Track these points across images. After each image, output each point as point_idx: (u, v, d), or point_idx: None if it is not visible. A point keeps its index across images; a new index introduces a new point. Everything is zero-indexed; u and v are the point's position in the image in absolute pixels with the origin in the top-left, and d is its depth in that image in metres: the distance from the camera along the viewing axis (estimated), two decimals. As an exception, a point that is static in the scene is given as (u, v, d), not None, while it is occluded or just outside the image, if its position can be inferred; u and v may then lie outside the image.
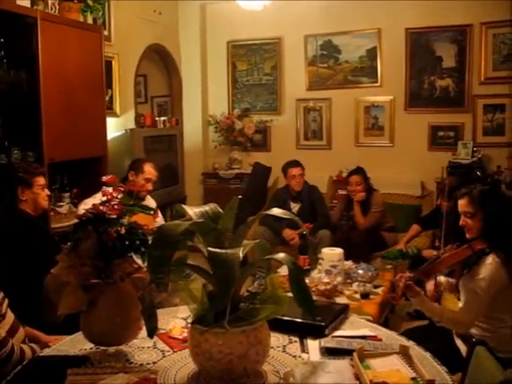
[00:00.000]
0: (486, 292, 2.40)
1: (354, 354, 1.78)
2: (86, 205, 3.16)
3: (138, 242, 1.82)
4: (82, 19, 4.51)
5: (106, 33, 5.06)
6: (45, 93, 3.85)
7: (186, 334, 1.99)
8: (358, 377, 1.67)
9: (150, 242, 1.72)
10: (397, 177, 5.97)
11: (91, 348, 1.97)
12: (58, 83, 4.04)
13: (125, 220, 1.86)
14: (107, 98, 5.08)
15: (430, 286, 2.87)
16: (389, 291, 3.64)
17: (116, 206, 1.82)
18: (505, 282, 2.40)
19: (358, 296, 3.51)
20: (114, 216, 1.81)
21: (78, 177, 4.42)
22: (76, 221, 1.86)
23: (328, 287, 3.39)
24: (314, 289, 3.35)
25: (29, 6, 3.87)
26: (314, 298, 2.34)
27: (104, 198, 1.86)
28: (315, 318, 1.99)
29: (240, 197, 1.79)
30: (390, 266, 4.32)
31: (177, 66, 6.74)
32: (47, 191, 3.15)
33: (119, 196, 1.87)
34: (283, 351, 1.95)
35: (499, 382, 1.69)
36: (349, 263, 3.92)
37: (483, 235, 2.50)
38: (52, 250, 2.25)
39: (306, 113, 6.55)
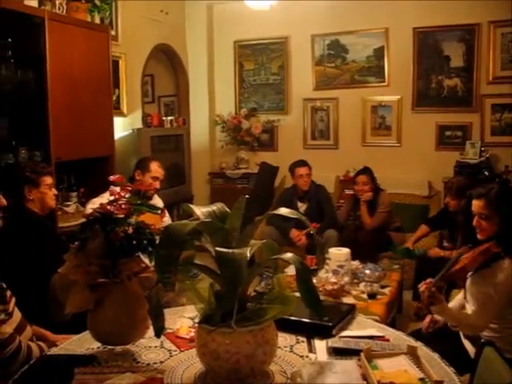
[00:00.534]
0: (501, 296, 2.37)
1: (362, 354, 1.77)
2: (94, 204, 3.17)
3: (145, 242, 1.82)
4: (89, 19, 4.52)
5: (113, 33, 5.07)
6: (52, 92, 3.87)
7: (193, 334, 1.99)
8: (365, 377, 1.67)
9: (157, 242, 1.72)
10: (404, 177, 5.96)
11: (98, 347, 1.97)
12: (65, 83, 4.05)
13: (132, 219, 1.86)
14: (114, 98, 5.10)
15: (425, 321, 2.84)
16: (396, 291, 3.63)
17: (123, 206, 1.82)
18: None
19: (365, 296, 3.50)
20: (122, 215, 1.81)
21: (85, 176, 4.43)
22: (83, 220, 1.86)
23: (335, 287, 3.39)
24: (321, 289, 3.35)
25: (36, 5, 3.89)
26: (322, 297, 2.33)
27: (111, 198, 1.86)
28: (322, 318, 1.98)
29: (247, 196, 1.79)
30: (397, 266, 4.31)
31: (184, 65, 6.75)
32: (54, 190, 3.16)
33: (126, 195, 1.87)
34: (290, 351, 1.94)
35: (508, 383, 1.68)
36: (356, 263, 3.92)
37: (498, 239, 2.46)
38: (59, 250, 2.25)
39: (313, 112, 6.54)
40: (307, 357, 1.90)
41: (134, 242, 1.82)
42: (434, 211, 5.56)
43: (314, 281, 3.31)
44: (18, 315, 2.16)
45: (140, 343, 1.99)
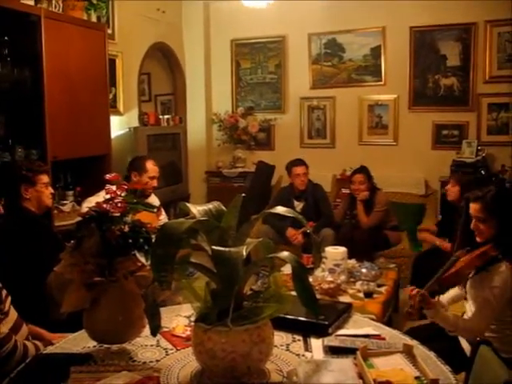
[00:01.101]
0: (498, 300, 2.37)
1: (358, 352, 1.77)
2: (90, 203, 3.16)
3: (141, 240, 1.82)
4: (85, 17, 4.50)
5: (109, 31, 5.06)
6: (48, 91, 3.85)
7: (189, 333, 1.99)
8: (361, 375, 1.67)
9: (153, 240, 1.72)
10: (401, 175, 5.97)
11: (94, 346, 1.97)
12: (61, 81, 4.04)
13: (128, 218, 1.86)
14: (111, 97, 5.08)
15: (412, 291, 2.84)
16: (392, 290, 3.63)
17: (119, 204, 1.82)
18: None
19: (361, 295, 3.51)
20: (118, 214, 1.81)
21: (82, 175, 4.42)
22: (79, 219, 1.86)
23: (331, 286, 3.39)
24: (317, 287, 3.35)
25: (32, 4, 3.87)
26: (318, 296, 2.34)
27: (107, 196, 1.85)
28: (318, 316, 1.99)
29: (243, 195, 1.79)
30: (393, 265, 4.32)
31: (180, 64, 6.74)
32: (51, 189, 3.15)
33: (122, 194, 1.87)
34: (287, 350, 1.95)
35: (503, 382, 1.68)
36: (352, 262, 3.92)
37: (495, 242, 2.46)
38: (55, 248, 2.25)
39: (310, 111, 6.54)
40: (303, 355, 1.91)
41: (130, 241, 1.82)
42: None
43: (311, 279, 3.32)
44: (13, 314, 2.16)
45: (136, 342, 1.99)
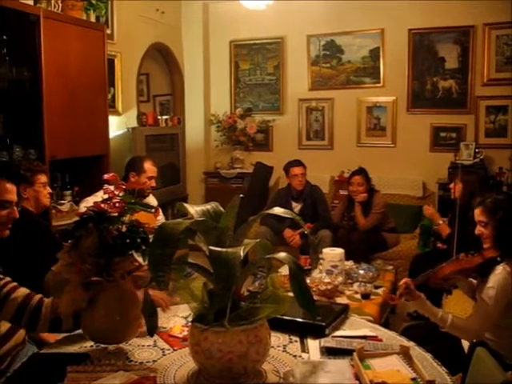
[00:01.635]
0: (493, 301, 2.37)
1: (354, 353, 1.78)
2: (88, 203, 3.17)
3: (138, 240, 1.82)
4: (84, 17, 4.51)
5: (108, 31, 5.06)
6: (47, 90, 3.85)
7: (186, 333, 1.99)
8: (357, 377, 1.67)
9: (150, 241, 1.72)
10: (398, 177, 5.97)
11: (91, 346, 1.97)
12: (60, 81, 4.04)
13: (126, 218, 1.86)
14: (109, 97, 5.09)
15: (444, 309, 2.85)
16: (389, 292, 3.64)
17: (117, 204, 1.82)
18: None
19: (358, 296, 3.51)
20: (115, 214, 1.81)
21: (80, 175, 4.42)
22: (77, 219, 1.86)
23: (329, 287, 3.40)
24: (314, 289, 3.35)
25: (32, 3, 3.88)
26: (315, 297, 2.34)
27: (105, 196, 1.85)
28: (315, 317, 1.99)
29: (241, 196, 1.79)
30: (390, 267, 4.33)
31: (179, 65, 6.75)
32: (49, 189, 3.15)
33: (120, 194, 1.87)
34: (283, 351, 1.95)
35: (499, 384, 1.68)
36: (349, 263, 3.93)
37: (495, 243, 2.49)
38: (53, 248, 2.25)
39: (309, 113, 6.54)
40: (300, 356, 1.91)
41: (128, 241, 1.81)
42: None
43: (308, 281, 3.32)
44: None
45: (133, 342, 1.99)
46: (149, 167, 3.93)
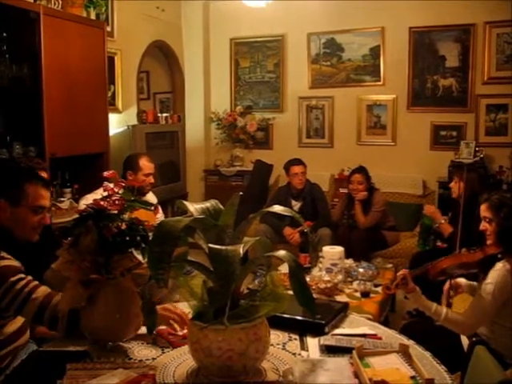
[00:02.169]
0: (490, 297, 2.38)
1: (354, 352, 1.77)
2: (87, 200, 3.16)
3: (138, 238, 1.82)
4: (84, 15, 4.51)
5: (108, 29, 5.06)
6: (47, 88, 3.85)
7: (185, 331, 1.98)
8: (357, 375, 1.67)
9: (150, 238, 1.72)
10: (398, 176, 5.97)
11: (91, 343, 1.96)
12: (60, 78, 4.04)
13: (126, 216, 1.86)
14: (109, 94, 5.09)
15: (446, 285, 2.86)
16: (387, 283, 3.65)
17: (117, 202, 1.81)
18: (511, 290, 2.38)
19: (358, 294, 3.51)
20: (115, 211, 1.81)
21: (80, 172, 4.42)
22: (77, 216, 1.86)
23: (328, 285, 3.39)
24: (314, 287, 3.35)
25: (32, 0, 3.87)
26: (315, 295, 2.34)
27: (105, 194, 1.85)
28: (315, 315, 1.99)
29: (241, 194, 1.79)
30: (390, 265, 4.32)
31: (179, 62, 6.74)
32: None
33: (120, 191, 1.86)
34: (283, 348, 1.94)
35: (498, 382, 1.68)
36: (349, 262, 3.93)
37: (497, 240, 2.50)
38: (52, 245, 2.25)
39: (309, 111, 6.54)
40: (299, 354, 1.90)
41: (127, 239, 1.81)
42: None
43: (308, 279, 3.32)
44: (20, 318, 2.13)
45: (132, 339, 1.98)
46: (145, 164, 3.89)
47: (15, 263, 2.00)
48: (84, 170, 4.44)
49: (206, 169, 6.83)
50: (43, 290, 1.96)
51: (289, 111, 6.65)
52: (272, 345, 1.86)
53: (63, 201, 4.19)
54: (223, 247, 1.55)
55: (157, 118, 6.02)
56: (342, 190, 5.82)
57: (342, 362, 1.77)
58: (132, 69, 5.77)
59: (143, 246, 1.81)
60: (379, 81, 6.14)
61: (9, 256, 2.00)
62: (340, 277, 3.57)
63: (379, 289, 3.66)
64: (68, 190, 4.32)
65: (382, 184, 5.63)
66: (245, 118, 6.65)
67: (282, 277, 2.24)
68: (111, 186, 1.87)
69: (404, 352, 1.83)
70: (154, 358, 1.87)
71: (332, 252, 3.69)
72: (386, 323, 3.35)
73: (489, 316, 2.42)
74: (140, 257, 1.85)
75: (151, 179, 3.93)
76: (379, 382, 1.59)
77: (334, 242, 4.58)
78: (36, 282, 1.97)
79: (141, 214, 1.95)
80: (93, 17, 4.79)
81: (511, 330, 2.40)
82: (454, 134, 5.85)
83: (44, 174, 3.08)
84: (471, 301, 2.51)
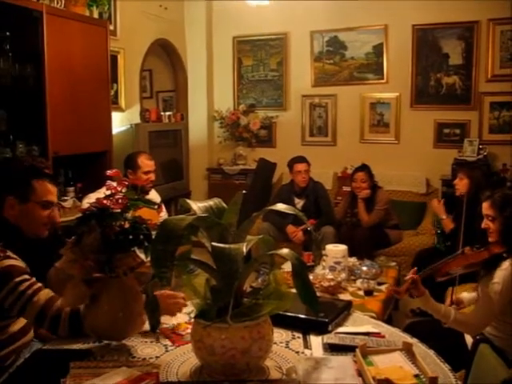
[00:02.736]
0: (498, 296, 2.37)
1: (357, 350, 1.77)
2: (90, 199, 3.15)
3: (141, 237, 1.82)
4: (87, 13, 4.51)
5: (111, 27, 5.06)
6: (50, 87, 3.86)
7: (189, 331, 1.98)
8: (360, 373, 1.67)
9: (153, 237, 1.72)
10: (402, 174, 5.96)
11: (94, 342, 1.97)
12: (63, 77, 4.04)
13: (129, 214, 1.86)
14: (112, 93, 5.09)
15: (446, 303, 2.85)
16: (394, 285, 3.63)
17: (120, 200, 1.81)
18: None
19: (361, 293, 3.51)
20: (118, 210, 1.81)
21: (83, 171, 4.42)
22: (80, 215, 1.86)
23: (332, 284, 3.39)
24: (317, 285, 3.35)
25: (35, -1, 3.87)
26: (318, 294, 2.33)
27: (108, 192, 1.85)
28: (318, 314, 1.99)
29: (244, 192, 1.79)
30: (394, 263, 4.32)
31: (182, 61, 6.74)
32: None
33: (123, 190, 1.86)
34: (286, 347, 1.94)
35: (503, 381, 1.68)
36: (353, 260, 3.93)
37: (501, 239, 2.48)
38: (56, 244, 2.25)
39: (312, 109, 6.53)
40: (303, 353, 1.90)
41: (131, 237, 1.81)
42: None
43: (311, 277, 3.32)
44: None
45: (136, 338, 1.99)
46: (143, 162, 3.89)
47: (21, 264, 2.00)
48: (87, 168, 4.45)
49: (209, 167, 6.83)
50: (46, 293, 1.95)
51: (292, 109, 6.64)
52: (275, 343, 1.87)
53: (66, 199, 4.20)
54: (226, 245, 1.55)
55: (160, 116, 6.02)
56: (345, 188, 5.82)
57: (345, 360, 1.78)
58: (135, 67, 5.77)
59: (146, 244, 1.81)
60: (382, 79, 6.13)
61: (15, 256, 2.00)
62: (343, 275, 3.57)
63: (383, 287, 3.67)
64: (71, 188, 4.32)
65: (385, 182, 5.61)
66: (248, 116, 6.64)
67: (285, 275, 2.24)
68: (114, 184, 1.88)
69: (407, 350, 1.83)
70: (157, 357, 1.87)
71: (335, 250, 3.69)
72: (389, 321, 3.34)
73: (496, 315, 2.41)
74: (143, 255, 1.85)
75: (152, 177, 3.93)
76: (383, 380, 1.59)
77: (337, 240, 4.57)
78: (39, 285, 1.97)
79: (144, 212, 1.95)
80: (96, 15, 4.80)
81: None
82: (458, 131, 5.83)
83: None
84: (477, 301, 2.50)
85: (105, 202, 1.80)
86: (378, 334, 2.03)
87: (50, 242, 2.71)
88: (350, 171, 5.64)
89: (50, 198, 2.19)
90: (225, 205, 1.80)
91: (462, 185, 4.13)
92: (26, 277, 1.95)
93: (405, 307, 4.24)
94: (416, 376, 1.66)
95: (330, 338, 1.98)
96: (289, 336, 2.04)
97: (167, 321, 2.14)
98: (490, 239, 2.55)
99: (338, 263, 3.62)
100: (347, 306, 2.33)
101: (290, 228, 5.00)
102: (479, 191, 3.40)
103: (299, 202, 5.18)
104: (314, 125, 6.55)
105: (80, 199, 4.11)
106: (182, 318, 2.20)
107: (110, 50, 4.67)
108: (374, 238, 4.83)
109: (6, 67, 3.65)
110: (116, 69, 5.30)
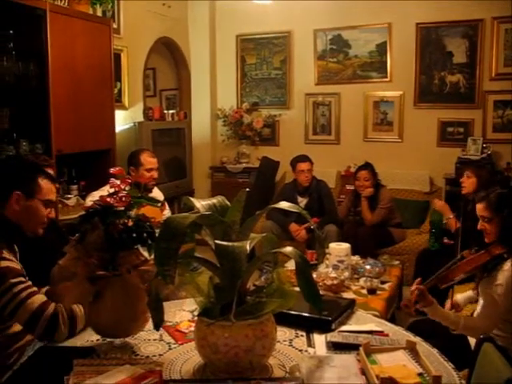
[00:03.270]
0: (502, 298, 2.35)
1: (361, 348, 1.77)
2: (94, 197, 3.16)
3: (145, 235, 1.82)
4: (91, 11, 4.50)
5: (115, 25, 5.06)
6: (53, 85, 3.86)
7: (192, 328, 1.98)
8: (363, 372, 1.67)
9: (157, 235, 1.72)
10: (405, 172, 5.95)
11: (98, 339, 1.97)
12: (66, 75, 4.04)
13: (132, 212, 1.86)
14: (116, 91, 5.09)
15: (447, 305, 2.84)
16: (396, 286, 3.62)
17: (123, 198, 1.81)
18: None
19: (364, 291, 3.50)
20: (122, 208, 1.81)
21: (86, 169, 4.43)
22: (83, 213, 1.86)
23: (335, 282, 3.39)
24: (321, 283, 3.35)
25: (38, -3, 3.87)
26: (321, 292, 2.33)
27: (112, 190, 1.85)
28: (322, 312, 1.99)
29: (248, 190, 1.79)
30: (397, 262, 4.31)
31: (186, 59, 6.74)
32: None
33: (127, 188, 1.86)
34: (290, 345, 1.94)
35: (506, 380, 1.67)
36: (356, 258, 3.92)
37: (501, 240, 2.46)
38: (59, 242, 2.26)
39: (315, 107, 6.52)
40: (306, 351, 1.90)
41: (134, 235, 1.81)
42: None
43: (314, 275, 3.32)
44: None
45: (139, 336, 1.99)
46: (146, 159, 3.90)
47: (16, 265, 2.00)
48: (90, 166, 4.45)
49: (213, 166, 6.83)
50: (40, 298, 1.95)
51: (295, 108, 6.63)
52: (279, 341, 1.86)
53: (70, 197, 4.20)
54: (230, 244, 1.55)
55: (163, 114, 6.02)
56: (348, 187, 5.81)
57: (348, 358, 1.77)
58: (138, 66, 5.77)
59: (150, 242, 1.81)
60: (386, 77, 6.12)
61: (10, 257, 2.00)
62: (347, 273, 3.56)
63: (386, 286, 3.66)
64: (75, 186, 4.33)
65: (388, 181, 5.60)
66: (251, 114, 6.64)
67: (288, 273, 2.24)
68: (118, 182, 1.88)
69: (411, 349, 1.83)
70: (160, 355, 1.87)
71: (339, 249, 3.69)
72: (392, 320, 3.34)
73: (501, 316, 2.40)
74: (146, 253, 1.85)
75: (154, 174, 3.93)
76: (386, 378, 1.59)
77: (341, 238, 4.57)
78: (35, 289, 1.97)
79: (147, 210, 1.95)
80: (99, 14, 4.80)
81: None
82: (462, 130, 5.82)
83: (51, 171, 3.10)
84: (482, 304, 2.47)
85: (108, 199, 1.80)
86: (381, 333, 2.02)
87: (51, 241, 2.72)
88: (353, 170, 5.64)
89: (52, 197, 2.23)
90: (228, 203, 1.80)
91: (469, 183, 4.12)
92: (22, 279, 1.95)
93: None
94: (420, 375, 1.65)
95: (334, 337, 1.98)
96: (292, 334, 2.04)
97: (170, 318, 2.14)
98: (486, 240, 2.53)
99: (341, 261, 3.62)
100: (350, 305, 2.33)
101: (294, 226, 5.00)
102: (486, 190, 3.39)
103: (302, 201, 5.17)
104: (317, 123, 6.55)
105: (83, 197, 4.11)
106: (185, 316, 2.20)
107: (114, 49, 4.67)
108: (377, 237, 4.83)
109: (9, 65, 3.64)
110: (119, 67, 5.31)
